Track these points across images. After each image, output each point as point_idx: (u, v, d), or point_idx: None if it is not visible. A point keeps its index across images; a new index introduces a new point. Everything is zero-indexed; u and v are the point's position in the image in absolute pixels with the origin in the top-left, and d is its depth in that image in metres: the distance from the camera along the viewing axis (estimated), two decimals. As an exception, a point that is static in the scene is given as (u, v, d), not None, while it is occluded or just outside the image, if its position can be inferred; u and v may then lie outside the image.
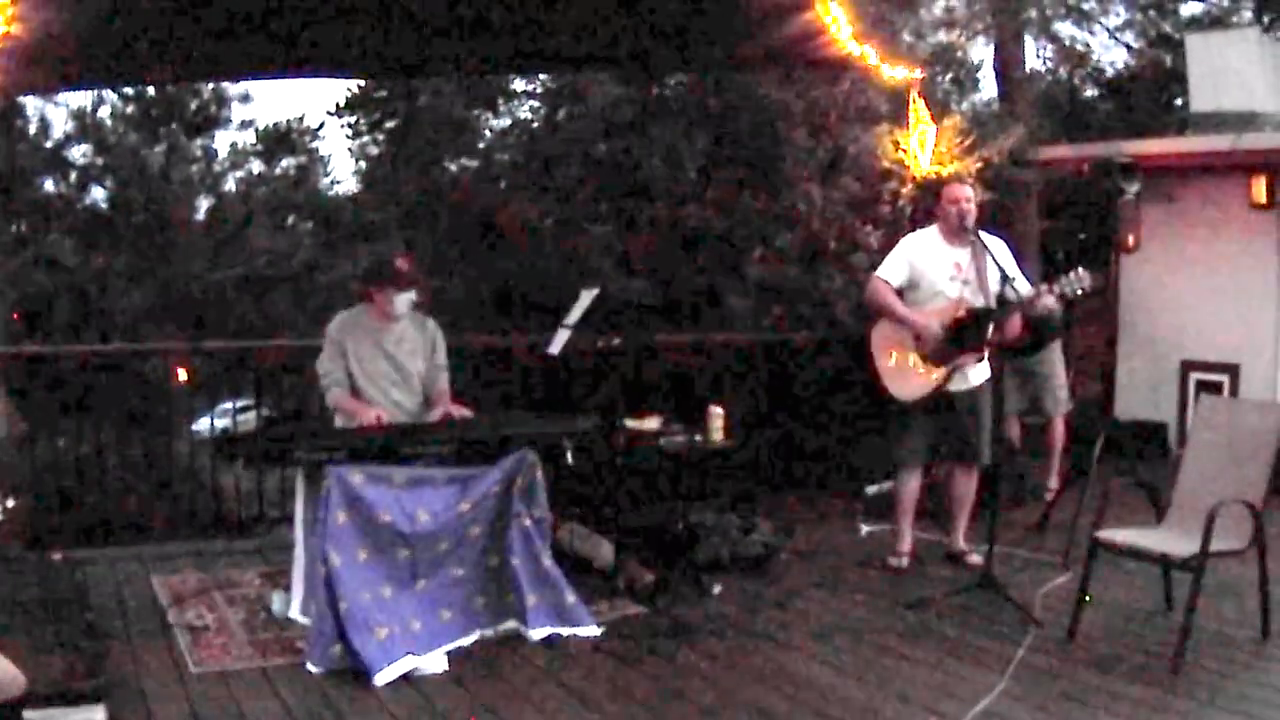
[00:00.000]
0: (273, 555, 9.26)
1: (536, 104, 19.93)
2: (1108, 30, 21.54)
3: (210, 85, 23.60)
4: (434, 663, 7.01)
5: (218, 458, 10.34)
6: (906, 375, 8.93)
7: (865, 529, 10.43)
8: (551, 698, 6.67)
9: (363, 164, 23.69)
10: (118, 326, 20.33)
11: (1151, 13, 21.65)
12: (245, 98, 25.29)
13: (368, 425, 7.88)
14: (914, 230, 9.81)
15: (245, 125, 25.93)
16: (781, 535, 9.65)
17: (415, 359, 8.39)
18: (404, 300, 8.25)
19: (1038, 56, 20.92)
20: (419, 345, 8.43)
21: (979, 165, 11.96)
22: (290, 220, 26.07)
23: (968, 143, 11.99)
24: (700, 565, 8.83)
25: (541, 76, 18.44)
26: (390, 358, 8.30)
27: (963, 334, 8.70)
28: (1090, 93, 22.56)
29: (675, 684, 6.86)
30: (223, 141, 25.87)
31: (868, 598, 8.54)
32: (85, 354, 11.75)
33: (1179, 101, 18.65)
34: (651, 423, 9.13)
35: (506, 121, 20.77)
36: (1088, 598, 7.50)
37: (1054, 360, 11.24)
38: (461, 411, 8.34)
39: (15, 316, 19.27)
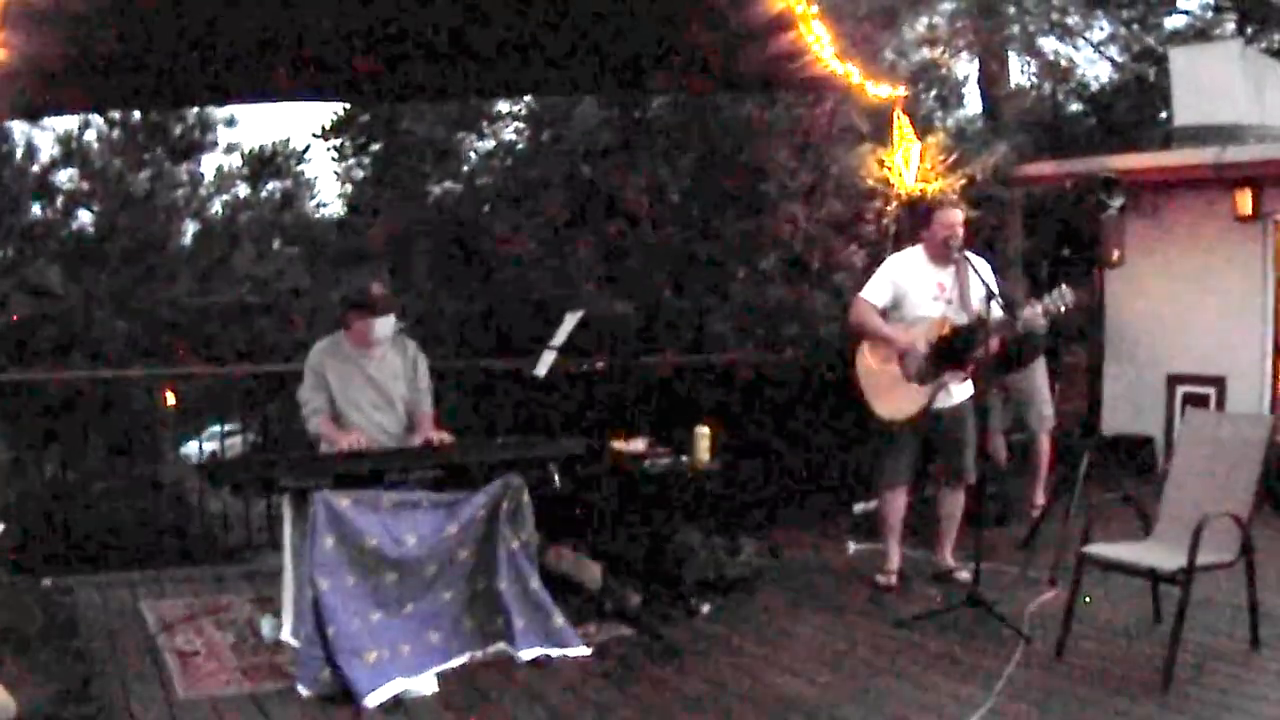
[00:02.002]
0: (261, 580, 9.26)
1: (521, 126, 19.94)
2: (1091, 45, 21.59)
3: (196, 109, 23.60)
4: (423, 685, 7.01)
5: (205, 483, 10.34)
6: (892, 394, 8.95)
7: (853, 548, 10.44)
8: (540, 719, 6.67)
9: (348, 187, 23.68)
10: (104, 352, 20.31)
11: (1135, 27, 21.70)
12: (231, 122, 25.25)
13: (349, 449, 7.90)
14: (898, 249, 9.83)
15: (231, 149, 25.91)
16: (768, 555, 9.68)
17: (397, 383, 8.43)
18: (381, 325, 8.28)
19: (1021, 72, 20.99)
20: (400, 369, 8.47)
21: (963, 183, 11.97)
22: (276, 244, 26.05)
23: (951, 160, 12.01)
24: (688, 586, 8.83)
25: (525, 99, 18.45)
26: (372, 382, 8.33)
27: (946, 352, 8.72)
28: (1074, 108, 22.59)
29: (664, 705, 6.86)
30: (208, 165, 25.86)
31: (855, 616, 8.56)
32: (72, 380, 11.74)
33: (1163, 115, 18.69)
34: (637, 444, 9.14)
35: (490, 144, 20.77)
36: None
37: (1037, 377, 11.28)
38: (442, 437, 8.37)
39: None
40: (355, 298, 8.41)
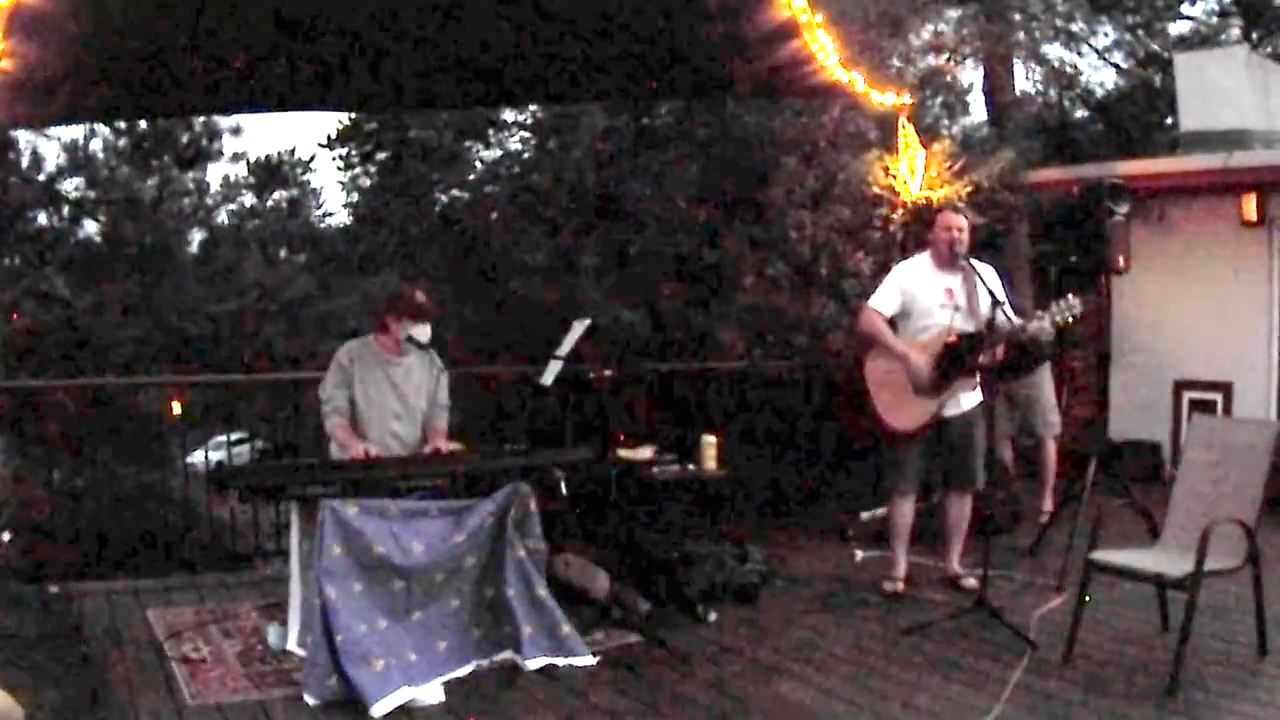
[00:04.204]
0: (268, 588, 9.26)
1: (527, 134, 19.95)
2: (1096, 51, 21.62)
3: (202, 118, 23.62)
4: (431, 694, 7.00)
5: (212, 491, 10.35)
6: (901, 403, 8.94)
7: (860, 555, 10.42)
8: (547, 727, 6.68)
9: (355, 196, 23.72)
10: (111, 360, 20.33)
11: (1140, 33, 21.71)
12: (237, 130, 25.28)
13: (357, 459, 7.90)
14: (905, 256, 9.84)
15: (237, 158, 25.94)
16: (776, 563, 9.66)
17: (420, 395, 8.45)
18: (417, 332, 8.28)
19: (1027, 79, 21.01)
20: (425, 382, 8.47)
21: (969, 189, 11.97)
22: (283, 253, 26.07)
23: (957, 167, 12.02)
24: (695, 594, 8.81)
25: (532, 107, 18.47)
26: (396, 390, 8.34)
27: (953, 361, 8.71)
28: (1080, 114, 22.60)
29: (671, 713, 6.85)
30: (215, 174, 25.94)
31: (863, 623, 8.54)
32: (79, 388, 11.74)
33: (1169, 121, 18.70)
34: (644, 452, 9.14)
35: (497, 153, 20.80)
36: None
37: (1042, 383, 11.26)
38: (451, 446, 8.37)
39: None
40: (397, 302, 8.41)
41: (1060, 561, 9.25)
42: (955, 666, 7.50)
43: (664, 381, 11.96)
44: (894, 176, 11.61)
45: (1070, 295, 8.29)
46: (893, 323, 9.04)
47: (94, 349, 20.80)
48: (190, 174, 24.92)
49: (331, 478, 7.48)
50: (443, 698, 7.02)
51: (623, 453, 9.08)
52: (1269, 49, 20.50)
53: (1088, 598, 7.51)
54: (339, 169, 23.13)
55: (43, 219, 23.16)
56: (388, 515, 7.34)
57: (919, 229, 10.67)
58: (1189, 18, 22.45)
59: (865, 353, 9.29)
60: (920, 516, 9.55)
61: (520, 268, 17.42)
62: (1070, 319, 8.30)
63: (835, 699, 7.03)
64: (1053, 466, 11.39)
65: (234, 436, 13.14)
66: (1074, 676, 7.23)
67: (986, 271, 8.74)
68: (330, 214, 26.56)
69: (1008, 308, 8.48)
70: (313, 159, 26.06)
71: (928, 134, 12.24)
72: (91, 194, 23.39)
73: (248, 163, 26.04)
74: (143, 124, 23.16)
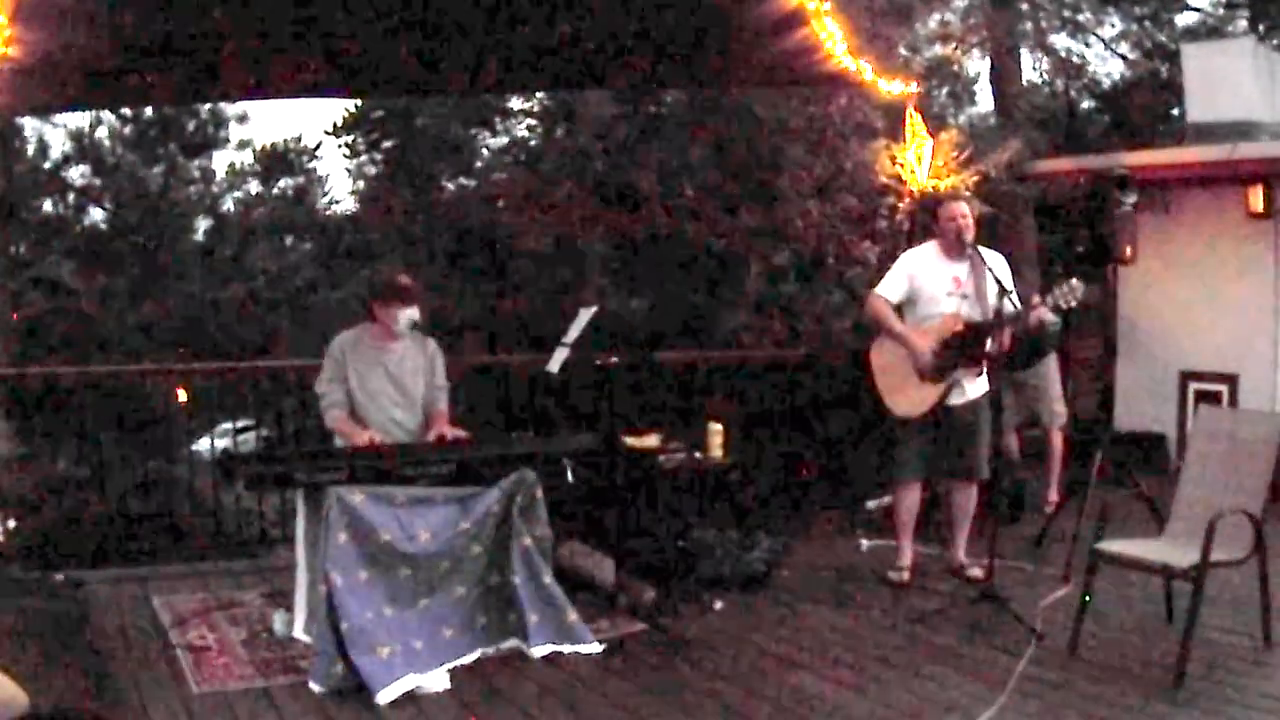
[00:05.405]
0: (274, 575, 9.25)
1: (534, 122, 19.93)
2: (1103, 42, 21.59)
3: (208, 105, 23.61)
4: (436, 681, 7.01)
5: (218, 478, 10.34)
6: (905, 391, 8.93)
7: (866, 544, 10.41)
8: (553, 715, 6.66)
9: (361, 184, 23.69)
10: (117, 347, 20.33)
11: (1147, 24, 21.69)
12: (243, 118, 25.31)
13: (363, 447, 7.89)
14: (912, 245, 9.82)
15: (243, 145, 25.97)
16: (782, 551, 9.64)
17: (416, 380, 8.41)
18: (407, 315, 8.26)
19: (1034, 69, 20.99)
20: (420, 366, 8.45)
21: (976, 179, 11.96)
22: (289, 240, 26.09)
23: (964, 156, 12.00)
24: (701, 582, 8.81)
25: (538, 95, 18.44)
26: (392, 377, 8.31)
27: (958, 349, 8.70)
28: (1086, 104, 22.58)
29: (677, 701, 6.85)
30: (221, 162, 25.94)
31: (869, 613, 8.53)
32: (85, 375, 11.74)
33: (1175, 112, 18.66)
34: (650, 440, 9.13)
35: (504, 140, 20.78)
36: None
37: (1049, 373, 11.24)
38: (456, 433, 8.35)
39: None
40: (382, 288, 8.40)
41: (1066, 552, 9.24)
42: (961, 656, 7.50)
43: (670, 369, 11.95)
44: (901, 166, 11.60)
45: (1073, 280, 8.28)
46: (900, 311, 9.03)
47: (99, 336, 20.83)
48: (196, 161, 24.96)
49: (337, 465, 7.47)
50: (448, 685, 7.02)
51: (629, 440, 9.07)
52: (1276, 41, 20.47)
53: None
54: (345, 156, 23.13)
55: (48, 206, 23.20)
56: (394, 502, 7.33)
57: (925, 218, 10.65)
58: (1196, 9, 22.46)
59: (870, 340, 9.29)
60: (926, 506, 9.56)
61: (527, 255, 17.42)
62: (1072, 304, 8.28)
63: (840, 687, 7.03)
64: (1059, 457, 11.37)
65: (239, 424, 13.11)
66: (1079, 667, 7.23)
67: (996, 260, 8.73)
68: (336, 202, 26.55)
69: (1015, 296, 8.46)
70: (319, 146, 26.08)
71: (934, 123, 12.22)
72: (97, 181, 23.43)
73: (254, 150, 26.08)
74: (149, 111, 23.18)
